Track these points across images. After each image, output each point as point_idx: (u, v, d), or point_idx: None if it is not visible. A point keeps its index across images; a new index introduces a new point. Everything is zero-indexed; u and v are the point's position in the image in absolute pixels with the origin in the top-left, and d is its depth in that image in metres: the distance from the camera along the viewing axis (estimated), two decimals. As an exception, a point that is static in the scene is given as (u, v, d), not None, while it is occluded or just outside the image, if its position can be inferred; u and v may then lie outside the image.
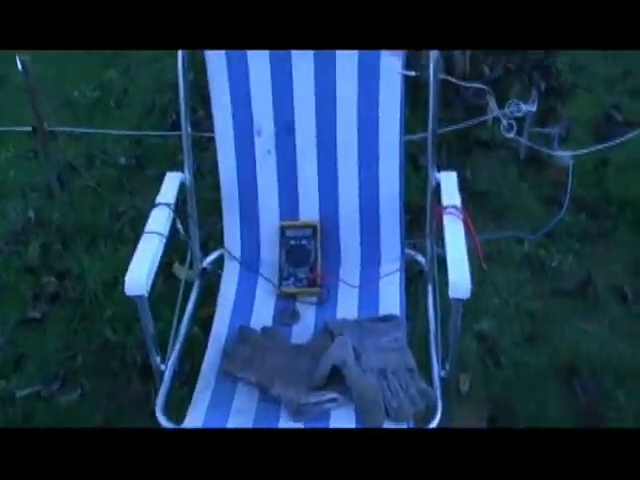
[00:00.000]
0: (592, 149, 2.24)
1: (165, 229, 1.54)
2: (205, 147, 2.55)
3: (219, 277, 1.77)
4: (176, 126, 2.25)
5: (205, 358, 1.55)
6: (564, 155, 2.28)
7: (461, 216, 1.53)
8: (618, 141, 2.38)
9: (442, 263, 1.78)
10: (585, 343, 2.04)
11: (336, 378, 1.45)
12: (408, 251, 1.77)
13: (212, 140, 1.76)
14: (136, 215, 2.44)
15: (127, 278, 1.41)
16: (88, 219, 2.46)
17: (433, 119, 1.61)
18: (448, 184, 1.63)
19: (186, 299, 1.76)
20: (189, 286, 1.81)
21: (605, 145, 2.25)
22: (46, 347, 2.09)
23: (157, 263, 1.48)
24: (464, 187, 2.41)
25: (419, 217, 2.08)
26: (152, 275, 1.44)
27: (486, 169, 2.56)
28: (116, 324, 2.12)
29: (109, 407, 1.94)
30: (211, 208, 2.17)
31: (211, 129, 1.73)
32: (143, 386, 1.95)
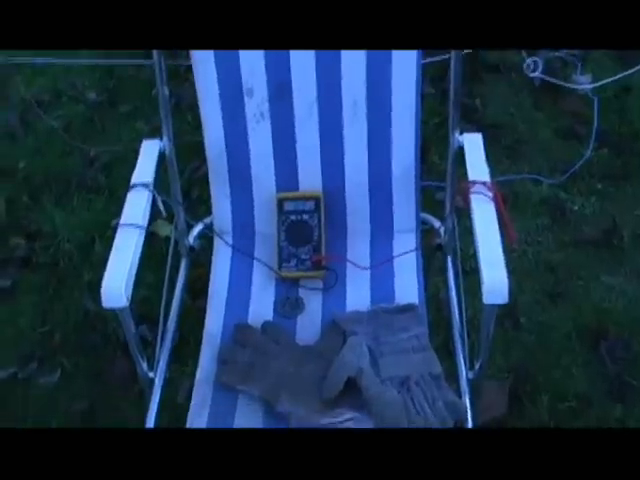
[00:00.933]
0: (614, 78, 1.97)
1: (144, 219, 1.30)
2: (185, 77, 2.26)
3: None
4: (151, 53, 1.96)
5: (199, 364, 1.33)
6: (585, 87, 2.01)
7: (492, 195, 1.29)
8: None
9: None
10: (611, 300, 1.85)
11: (350, 388, 1.25)
12: (424, 216, 1.54)
13: (191, 70, 1.46)
14: (110, 160, 2.19)
15: (104, 288, 1.18)
16: (57, 166, 2.18)
17: (455, 83, 1.35)
18: (473, 151, 1.37)
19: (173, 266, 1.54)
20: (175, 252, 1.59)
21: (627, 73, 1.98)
22: (19, 321, 1.87)
23: (137, 262, 1.24)
24: (474, 118, 2.21)
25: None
26: (133, 279, 1.20)
27: (497, 97, 2.28)
28: (95, 291, 1.86)
29: (93, 389, 1.75)
30: (193, 152, 1.93)
31: (188, 58, 1.44)
32: (128, 363, 1.74)
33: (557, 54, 2.19)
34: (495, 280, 1.15)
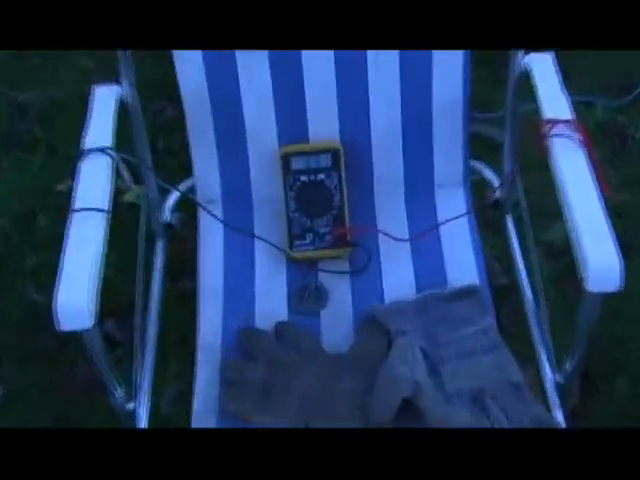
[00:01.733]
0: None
1: (106, 198, 1.04)
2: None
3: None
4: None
5: (195, 390, 1.11)
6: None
7: (580, 138, 1.06)
8: None
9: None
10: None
11: (405, 411, 1.03)
12: (474, 164, 1.32)
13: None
14: (46, 108, 1.98)
15: (59, 304, 0.93)
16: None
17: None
18: (546, 78, 1.14)
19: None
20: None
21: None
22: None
23: (102, 261, 0.99)
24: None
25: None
26: (98, 286, 0.96)
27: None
28: (42, 277, 1.67)
29: (50, 405, 1.53)
30: (153, 91, 1.71)
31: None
32: (92, 368, 1.54)
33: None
34: (603, 261, 0.96)
